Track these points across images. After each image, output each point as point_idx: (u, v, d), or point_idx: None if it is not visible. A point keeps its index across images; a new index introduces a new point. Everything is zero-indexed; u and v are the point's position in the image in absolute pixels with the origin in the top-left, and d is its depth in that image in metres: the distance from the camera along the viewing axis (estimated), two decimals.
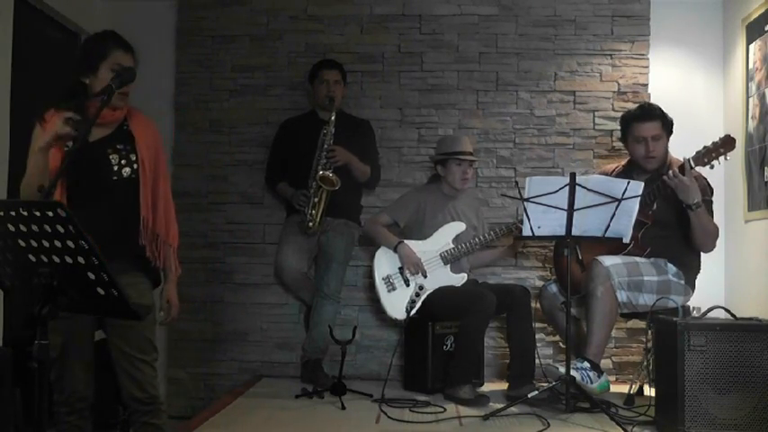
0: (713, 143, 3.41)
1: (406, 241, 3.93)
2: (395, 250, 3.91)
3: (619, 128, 3.84)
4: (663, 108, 3.68)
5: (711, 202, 3.52)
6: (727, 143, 3.40)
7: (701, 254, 3.64)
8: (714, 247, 3.53)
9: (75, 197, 2.40)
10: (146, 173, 2.47)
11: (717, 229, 3.49)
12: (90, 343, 2.53)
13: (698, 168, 3.41)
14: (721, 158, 3.40)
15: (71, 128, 2.29)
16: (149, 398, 2.48)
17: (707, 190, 3.49)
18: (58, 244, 1.67)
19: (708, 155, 3.40)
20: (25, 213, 1.67)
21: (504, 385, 3.77)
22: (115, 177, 2.45)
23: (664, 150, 3.60)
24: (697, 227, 3.40)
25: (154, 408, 2.49)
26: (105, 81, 2.40)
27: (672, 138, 3.66)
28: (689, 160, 3.39)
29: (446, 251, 3.93)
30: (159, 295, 2.61)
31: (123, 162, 2.46)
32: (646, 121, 3.58)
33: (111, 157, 2.46)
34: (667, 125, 3.59)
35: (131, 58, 2.52)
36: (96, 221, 2.34)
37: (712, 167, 3.43)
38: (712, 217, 3.51)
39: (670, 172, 3.36)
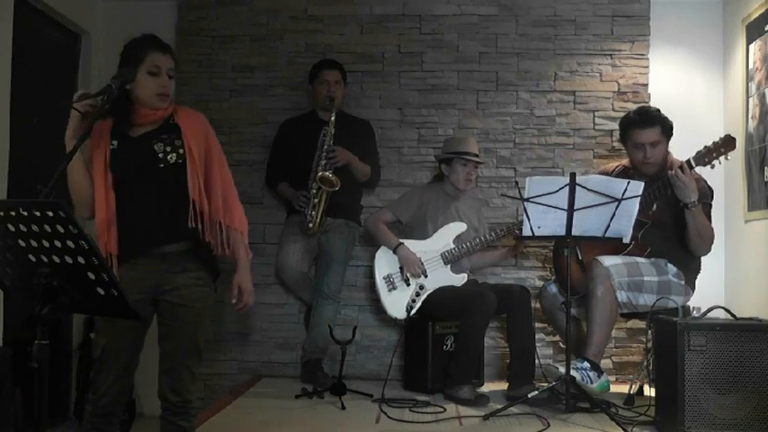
0: (714, 143, 3.41)
1: (407, 241, 3.93)
2: (394, 251, 3.91)
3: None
4: (662, 108, 3.67)
5: (710, 205, 3.51)
6: (727, 143, 3.40)
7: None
8: (709, 251, 3.51)
9: (125, 191, 2.38)
10: (194, 157, 2.42)
11: (712, 232, 3.47)
12: (134, 349, 2.45)
13: (698, 168, 3.41)
14: (722, 158, 3.40)
15: (86, 104, 2.28)
16: (182, 401, 2.42)
17: (707, 193, 3.49)
18: (57, 244, 1.67)
19: (708, 155, 3.39)
20: (25, 213, 1.67)
21: (504, 385, 3.77)
22: (162, 165, 2.41)
23: (662, 155, 3.58)
24: (692, 227, 3.39)
25: (184, 410, 2.43)
26: (144, 85, 2.42)
27: (672, 138, 3.66)
28: (690, 160, 3.39)
29: (447, 251, 3.93)
30: (232, 282, 2.53)
31: (169, 149, 2.42)
32: (645, 127, 3.53)
33: (156, 146, 2.42)
34: (667, 129, 3.56)
35: (170, 58, 2.50)
36: (147, 209, 2.37)
37: (713, 167, 3.42)
38: (710, 221, 3.49)
39: (676, 169, 3.35)
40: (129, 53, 2.47)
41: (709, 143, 3.41)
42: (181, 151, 2.43)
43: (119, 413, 2.46)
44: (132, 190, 2.39)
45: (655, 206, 3.51)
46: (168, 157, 2.42)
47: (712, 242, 3.49)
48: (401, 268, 3.92)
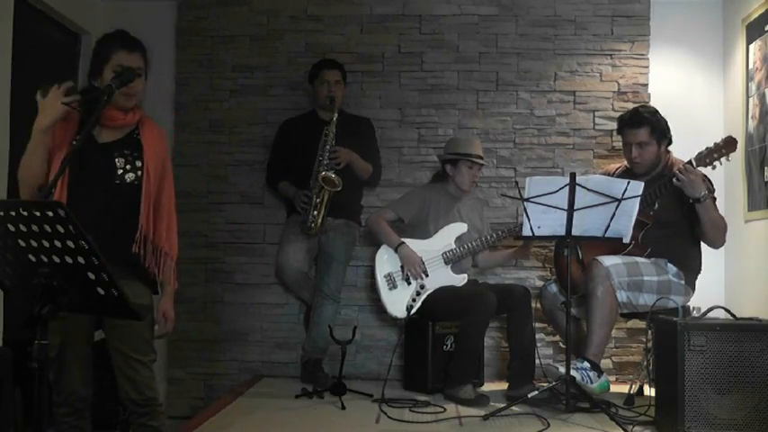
0: (715, 144, 3.42)
1: (409, 241, 3.93)
2: (396, 251, 3.91)
3: None
4: (662, 108, 3.69)
5: (715, 198, 3.53)
6: (728, 144, 3.41)
7: (702, 254, 3.64)
8: (724, 241, 3.53)
9: (76, 195, 2.37)
10: (149, 181, 2.45)
11: (725, 222, 3.50)
12: (88, 343, 2.51)
13: (699, 168, 3.41)
14: (723, 159, 3.41)
15: (72, 101, 2.28)
16: (145, 399, 2.46)
17: (710, 186, 3.50)
18: (57, 244, 1.67)
19: (710, 155, 3.41)
20: (25, 213, 1.67)
21: (504, 385, 3.77)
22: (118, 181, 2.43)
23: (651, 156, 3.59)
24: (706, 220, 3.41)
25: (151, 409, 2.47)
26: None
27: (672, 139, 3.66)
28: (691, 161, 3.41)
29: (448, 251, 3.93)
30: (155, 308, 2.56)
31: (128, 167, 2.44)
32: (633, 127, 3.59)
33: (117, 160, 2.43)
34: (658, 131, 3.57)
35: (139, 57, 2.47)
36: (93, 222, 2.33)
37: (714, 168, 3.44)
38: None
39: (680, 167, 3.36)
40: (96, 51, 2.47)
41: (711, 144, 3.42)
42: (139, 173, 2.45)
43: (87, 408, 2.50)
44: (84, 198, 2.37)
45: (656, 206, 3.52)
46: (126, 175, 2.43)
47: (726, 230, 3.51)
48: (402, 267, 3.93)
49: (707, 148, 3.42)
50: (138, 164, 2.45)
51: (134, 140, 2.49)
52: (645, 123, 3.57)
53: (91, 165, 2.40)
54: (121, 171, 2.44)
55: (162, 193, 2.52)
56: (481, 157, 3.97)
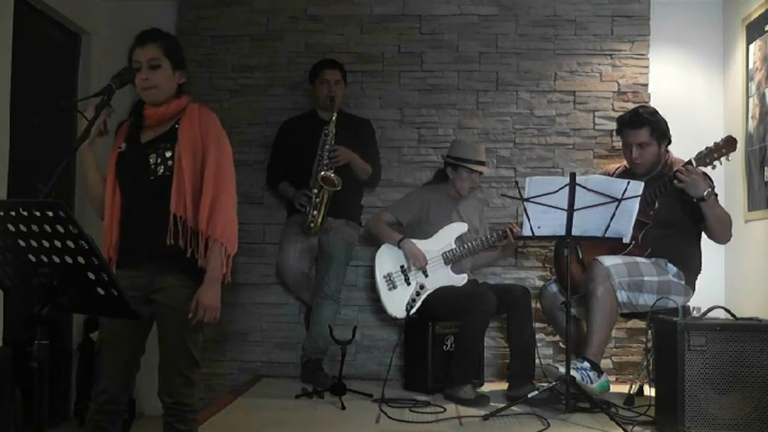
0: (715, 144, 3.42)
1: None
2: (399, 246, 3.91)
3: None
4: (662, 108, 3.69)
5: (716, 194, 3.53)
6: (729, 144, 3.41)
7: (702, 254, 3.65)
8: (731, 235, 3.53)
9: (125, 200, 2.41)
10: (181, 169, 2.35)
11: (730, 217, 3.50)
12: (128, 347, 2.41)
13: (699, 168, 3.41)
14: (723, 159, 3.41)
15: (99, 114, 2.25)
16: (174, 403, 2.39)
17: (711, 183, 3.50)
18: (58, 244, 1.67)
19: (710, 155, 3.41)
20: (25, 213, 1.67)
21: (504, 385, 3.77)
22: (152, 177, 2.38)
23: (652, 157, 3.60)
24: (711, 218, 3.41)
25: (178, 413, 2.40)
26: (137, 83, 2.40)
27: (672, 139, 3.66)
28: (691, 160, 3.41)
29: (448, 251, 3.93)
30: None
31: (159, 161, 2.39)
32: (633, 128, 3.59)
33: (150, 157, 2.40)
34: (658, 131, 3.58)
35: (154, 48, 2.39)
36: (138, 220, 2.38)
37: (714, 168, 3.44)
38: None
39: (681, 168, 3.36)
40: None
41: (711, 144, 3.42)
42: (170, 163, 2.37)
43: (121, 412, 2.43)
44: (131, 197, 2.41)
45: (656, 205, 3.52)
46: (157, 169, 2.39)
47: (731, 226, 3.50)
48: (402, 267, 3.93)
49: (707, 148, 3.42)
50: (168, 155, 2.37)
51: (173, 132, 2.42)
52: (645, 124, 3.57)
53: (131, 167, 2.40)
54: (153, 166, 2.39)
55: (207, 179, 2.36)
56: (483, 163, 3.96)
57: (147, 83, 2.39)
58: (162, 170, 2.38)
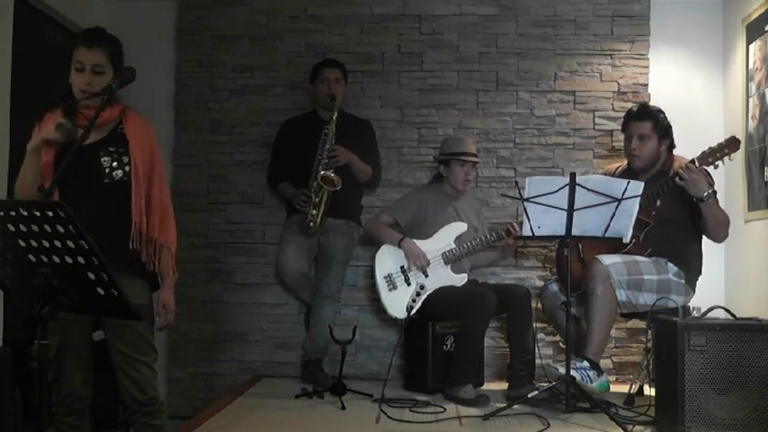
0: (718, 144, 3.43)
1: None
2: (399, 245, 3.91)
3: (619, 128, 3.88)
4: (663, 109, 3.69)
5: (716, 192, 3.53)
6: (731, 144, 3.42)
7: (703, 254, 3.65)
8: (727, 235, 3.55)
9: (66, 199, 2.33)
10: (138, 175, 2.42)
11: (728, 217, 3.52)
12: (87, 343, 2.51)
13: (702, 167, 3.42)
14: (725, 158, 3.42)
15: (60, 134, 2.30)
16: (148, 399, 2.47)
17: (711, 180, 3.51)
18: (58, 244, 1.67)
19: (713, 155, 3.42)
20: (25, 213, 1.67)
21: (504, 385, 3.77)
22: (107, 180, 2.41)
23: (651, 151, 3.62)
24: (710, 218, 3.43)
25: (153, 409, 2.48)
26: (75, 81, 2.40)
27: (672, 140, 3.67)
28: (694, 160, 3.42)
29: (448, 251, 3.93)
30: (155, 300, 2.56)
31: (115, 164, 2.42)
32: (638, 119, 3.64)
33: (102, 159, 2.42)
34: (660, 127, 3.61)
35: (99, 53, 2.40)
36: (86, 225, 2.34)
37: (716, 167, 3.45)
38: None
39: (684, 166, 3.37)
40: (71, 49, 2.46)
41: (714, 144, 3.43)
42: (127, 168, 2.42)
43: (86, 408, 2.50)
44: (74, 201, 2.29)
45: (658, 203, 3.52)
46: (114, 173, 2.41)
47: (729, 225, 3.53)
48: (402, 268, 3.93)
49: (710, 148, 3.43)
50: (125, 159, 2.43)
51: (119, 135, 2.47)
52: (650, 117, 3.63)
53: (79, 168, 2.36)
54: (108, 169, 2.42)
55: (153, 185, 2.50)
56: (474, 155, 3.96)
57: (90, 87, 2.41)
58: (119, 174, 2.42)
